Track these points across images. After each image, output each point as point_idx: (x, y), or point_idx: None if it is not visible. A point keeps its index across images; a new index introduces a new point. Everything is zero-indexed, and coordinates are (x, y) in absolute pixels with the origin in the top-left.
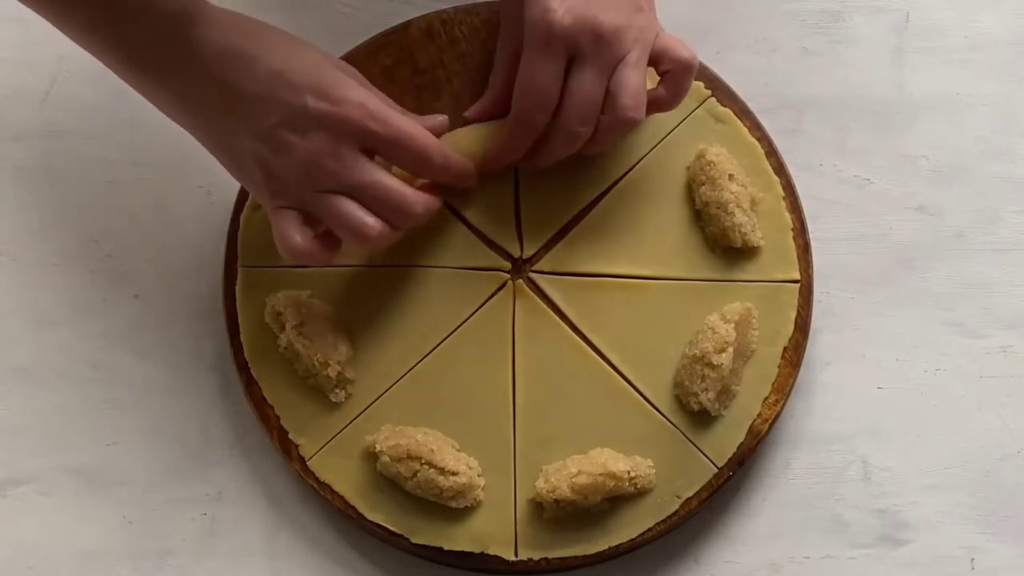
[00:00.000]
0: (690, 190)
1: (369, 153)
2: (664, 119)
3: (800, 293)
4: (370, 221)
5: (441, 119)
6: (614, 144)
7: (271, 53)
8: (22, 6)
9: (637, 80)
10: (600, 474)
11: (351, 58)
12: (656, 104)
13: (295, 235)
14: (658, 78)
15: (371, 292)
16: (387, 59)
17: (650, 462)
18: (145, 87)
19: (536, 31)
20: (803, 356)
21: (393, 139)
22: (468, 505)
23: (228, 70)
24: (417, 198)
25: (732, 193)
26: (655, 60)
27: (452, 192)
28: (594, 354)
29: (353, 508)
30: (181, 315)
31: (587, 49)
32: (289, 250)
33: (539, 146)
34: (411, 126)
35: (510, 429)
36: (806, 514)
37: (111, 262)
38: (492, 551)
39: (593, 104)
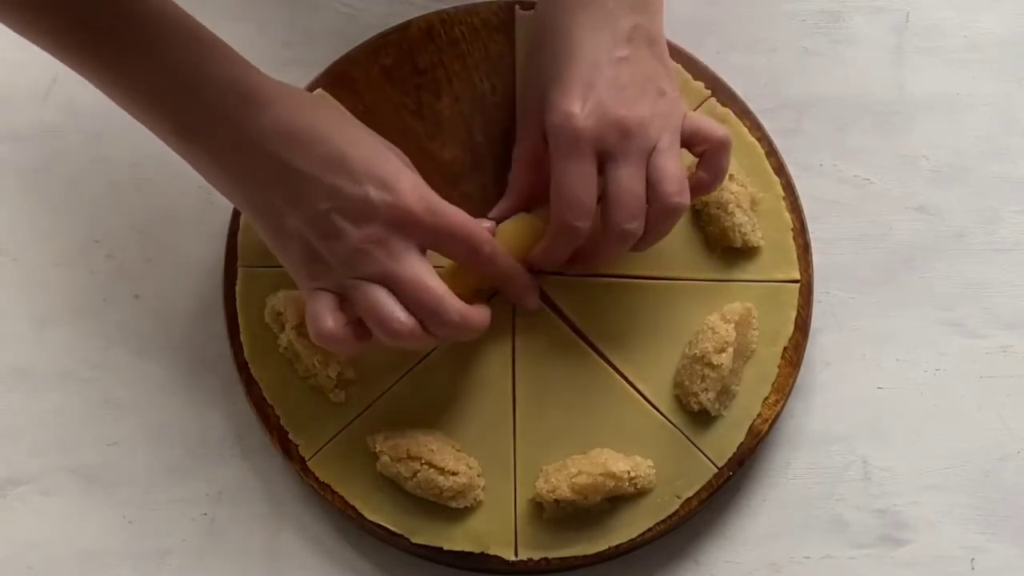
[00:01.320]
0: None
1: (422, 249)
2: None
3: (800, 293)
4: (401, 316)
5: (488, 224)
6: (665, 236)
7: (332, 135)
8: None
9: (674, 165)
10: (600, 474)
11: (351, 58)
12: (698, 188)
13: (328, 319)
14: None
15: None
16: (387, 59)
17: (650, 462)
18: (192, 157)
19: (562, 138)
20: (803, 356)
21: (447, 230)
22: (468, 505)
23: (285, 150)
24: (455, 305)
25: (732, 193)
26: (687, 142)
27: (513, 305)
28: (594, 354)
29: (353, 508)
30: (181, 315)
31: (617, 146)
32: (319, 333)
33: (588, 250)
34: (462, 216)
35: (510, 429)
36: (806, 514)
37: (111, 262)
38: (492, 551)
39: (638, 199)
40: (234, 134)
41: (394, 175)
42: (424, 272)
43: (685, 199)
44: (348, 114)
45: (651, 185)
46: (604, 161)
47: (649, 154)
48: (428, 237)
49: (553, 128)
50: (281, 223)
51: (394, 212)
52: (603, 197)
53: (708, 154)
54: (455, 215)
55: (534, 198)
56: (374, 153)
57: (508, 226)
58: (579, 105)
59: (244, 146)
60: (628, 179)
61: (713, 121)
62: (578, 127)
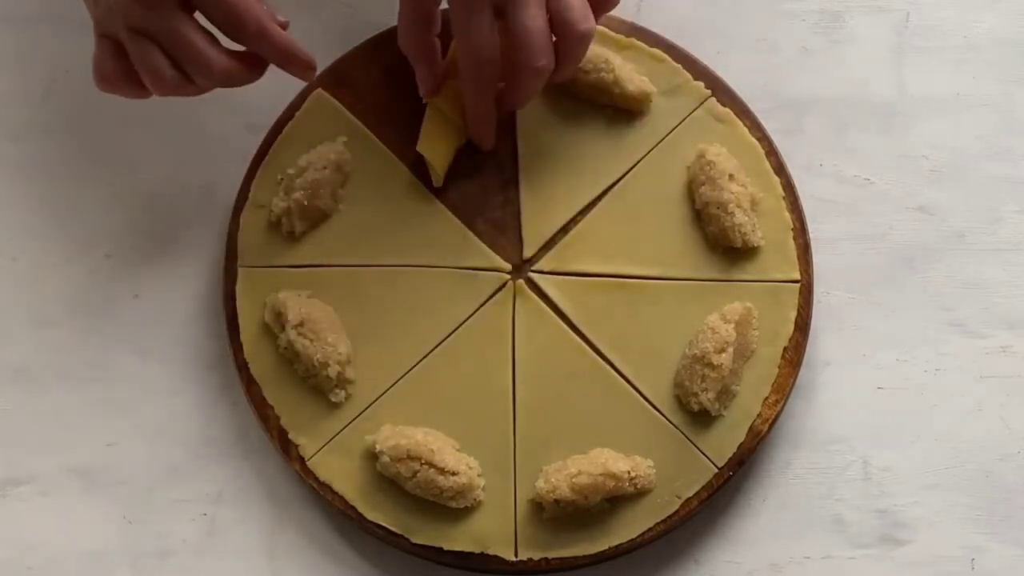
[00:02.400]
0: (690, 190)
1: (188, 8)
2: (664, 119)
3: (800, 293)
4: (164, 70)
5: (281, 19)
6: (579, 62)
7: None
8: (21, 6)
9: None
10: (600, 474)
11: (351, 58)
12: (601, 7)
13: (105, 64)
14: None
15: (371, 292)
16: (387, 59)
17: (650, 462)
18: None
19: None
20: (803, 356)
21: None
22: (468, 505)
23: None
24: (218, 59)
25: (732, 193)
26: None
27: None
28: (594, 354)
29: (353, 508)
30: (181, 315)
31: None
32: (98, 74)
33: (509, 92)
34: None
35: (510, 429)
36: (806, 514)
37: (111, 262)
38: (492, 551)
39: (544, 35)
40: None
41: None
42: (183, 24)
43: (592, 23)
44: None
45: (555, 16)
46: (502, 5)
47: None
48: None
49: None
50: None
51: None
52: (509, 40)
53: None
54: None
55: (435, 57)
56: None
57: (447, 97)
58: None
59: None
60: (530, 19)
61: None
62: None
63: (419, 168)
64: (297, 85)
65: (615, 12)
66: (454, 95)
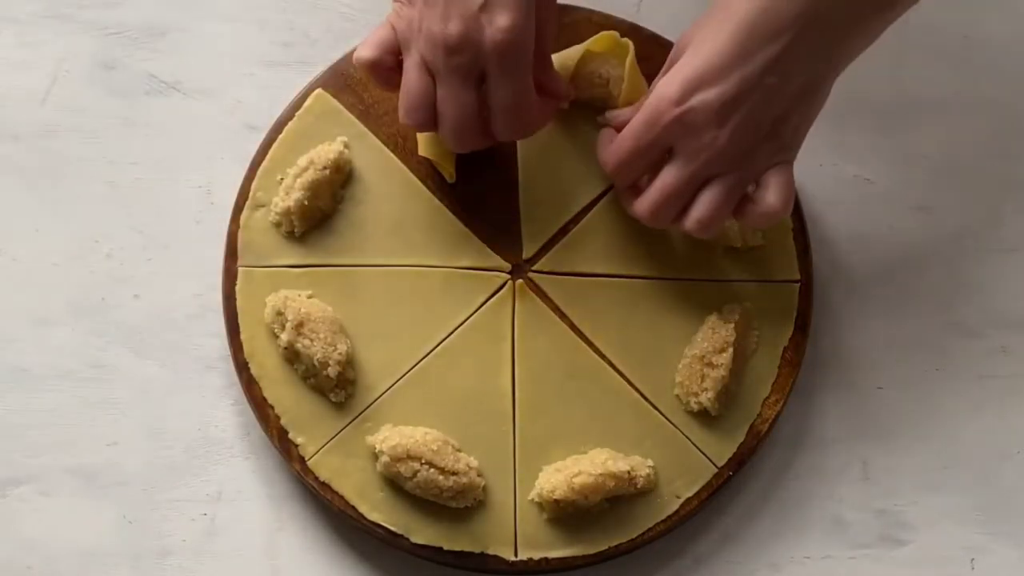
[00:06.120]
0: None
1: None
2: None
3: (800, 293)
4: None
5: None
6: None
7: None
8: (21, 6)
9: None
10: (600, 474)
11: (351, 58)
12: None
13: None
14: None
15: (371, 292)
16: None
17: (650, 462)
18: None
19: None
20: (803, 356)
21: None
22: (468, 505)
23: None
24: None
25: None
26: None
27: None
28: (594, 354)
29: (353, 508)
30: (181, 315)
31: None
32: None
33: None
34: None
35: (510, 429)
36: (806, 514)
37: (111, 262)
38: (492, 551)
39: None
40: None
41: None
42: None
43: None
44: None
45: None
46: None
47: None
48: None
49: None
50: None
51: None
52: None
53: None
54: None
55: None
56: None
57: None
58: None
59: None
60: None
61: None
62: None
63: (419, 168)
64: (297, 85)
65: (615, 12)
66: None
